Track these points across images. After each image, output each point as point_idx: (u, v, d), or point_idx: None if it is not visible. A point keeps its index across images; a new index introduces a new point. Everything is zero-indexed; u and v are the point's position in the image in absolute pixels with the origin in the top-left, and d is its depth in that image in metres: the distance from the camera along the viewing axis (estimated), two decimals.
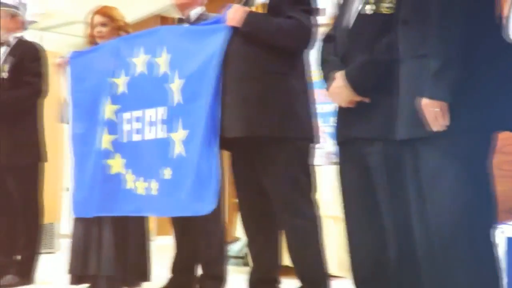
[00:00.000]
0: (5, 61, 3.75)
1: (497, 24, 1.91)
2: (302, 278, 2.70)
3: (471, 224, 1.90)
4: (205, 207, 2.65)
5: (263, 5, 2.65)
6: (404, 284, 2.22)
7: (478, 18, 1.87)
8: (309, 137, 2.70)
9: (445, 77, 1.87)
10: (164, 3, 6.14)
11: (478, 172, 1.93)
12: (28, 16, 3.96)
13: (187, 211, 2.78)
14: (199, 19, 3.17)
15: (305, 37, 2.61)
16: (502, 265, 2.09)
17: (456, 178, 1.91)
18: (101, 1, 3.56)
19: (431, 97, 1.89)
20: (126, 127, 3.08)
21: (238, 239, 4.55)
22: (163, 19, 6.55)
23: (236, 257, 4.46)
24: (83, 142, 3.24)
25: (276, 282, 2.86)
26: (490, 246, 1.94)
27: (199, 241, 3.25)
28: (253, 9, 2.66)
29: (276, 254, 2.85)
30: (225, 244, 3.38)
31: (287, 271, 3.13)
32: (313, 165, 2.75)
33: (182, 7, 3.21)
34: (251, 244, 2.88)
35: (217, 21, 2.78)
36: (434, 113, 1.89)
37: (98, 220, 3.20)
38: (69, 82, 3.32)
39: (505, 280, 2.49)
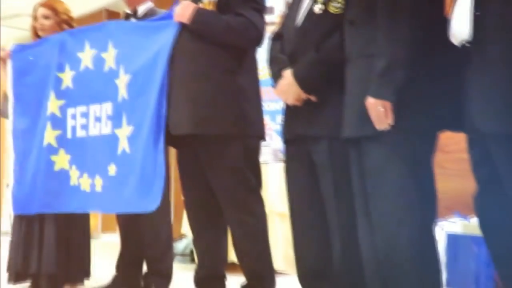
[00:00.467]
0: None
1: (443, 26, 1.96)
2: (248, 274, 2.71)
3: (413, 221, 1.94)
4: (150, 204, 2.64)
5: (211, 2, 2.64)
6: (348, 281, 2.25)
7: (424, 19, 1.91)
8: (258, 134, 2.71)
9: (391, 77, 1.91)
10: None
11: (420, 170, 1.98)
12: None
13: (132, 208, 2.76)
14: (147, 14, 3.14)
15: (254, 35, 2.62)
16: (442, 260, 2.15)
17: (399, 176, 1.96)
18: None
19: (376, 96, 1.92)
20: (70, 122, 3.03)
21: (184, 236, 4.54)
22: (110, 14, 6.45)
23: (182, 254, 4.45)
24: (26, 138, 3.17)
25: (222, 278, 2.87)
26: (431, 242, 1.99)
27: (145, 238, 3.22)
28: (202, 5, 2.65)
29: (222, 251, 2.85)
30: (172, 241, 3.36)
31: (233, 267, 3.13)
32: (260, 163, 2.76)
33: (130, 2, 3.17)
34: (197, 241, 2.87)
35: (165, 17, 2.76)
36: (379, 112, 1.92)
37: (40, 217, 3.14)
38: (11, 76, 3.23)
39: (445, 275, 2.56)
